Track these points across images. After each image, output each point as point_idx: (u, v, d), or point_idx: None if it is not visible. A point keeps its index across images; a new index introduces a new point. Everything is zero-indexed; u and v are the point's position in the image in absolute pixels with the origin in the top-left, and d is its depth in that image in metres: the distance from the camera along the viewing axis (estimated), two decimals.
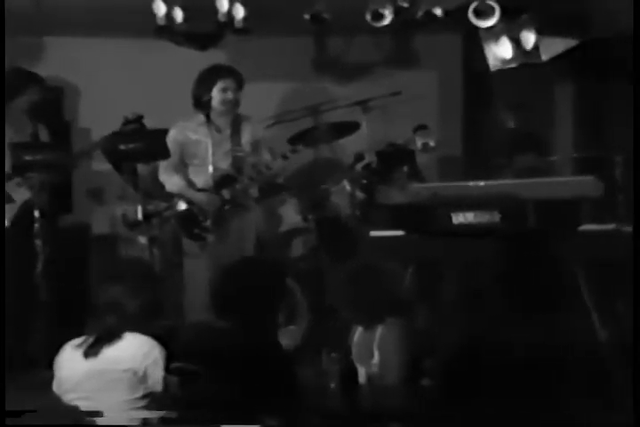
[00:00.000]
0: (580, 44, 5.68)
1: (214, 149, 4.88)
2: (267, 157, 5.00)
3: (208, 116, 4.87)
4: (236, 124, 5.00)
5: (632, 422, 2.57)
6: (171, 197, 4.99)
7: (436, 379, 3.01)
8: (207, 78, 4.96)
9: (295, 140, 5.35)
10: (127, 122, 4.55)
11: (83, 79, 6.14)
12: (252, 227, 5.07)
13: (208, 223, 4.88)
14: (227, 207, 4.88)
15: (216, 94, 4.92)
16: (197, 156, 4.96)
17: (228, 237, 4.91)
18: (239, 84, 4.97)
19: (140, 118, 4.56)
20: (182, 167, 5.02)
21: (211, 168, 4.83)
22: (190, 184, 4.99)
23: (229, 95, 4.92)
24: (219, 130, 4.97)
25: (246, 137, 5.01)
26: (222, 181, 4.91)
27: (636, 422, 2.57)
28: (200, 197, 4.91)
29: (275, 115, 5.51)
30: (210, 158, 4.83)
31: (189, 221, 4.91)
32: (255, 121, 5.10)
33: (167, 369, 3.11)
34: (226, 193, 4.90)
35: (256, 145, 5.05)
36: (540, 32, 5.62)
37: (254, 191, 5.06)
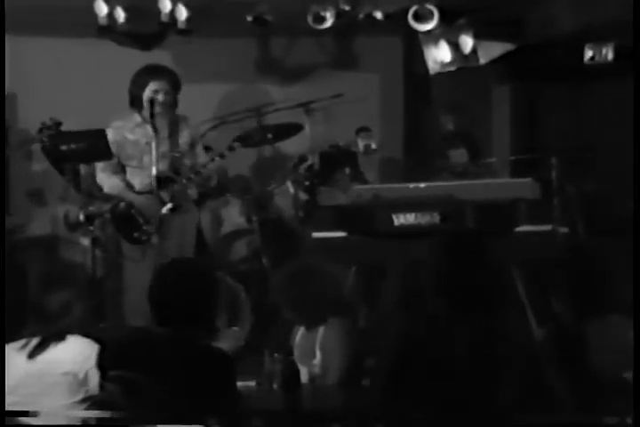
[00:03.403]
0: (516, 48, 5.80)
1: (152, 150, 4.80)
2: (202, 157, 4.91)
3: (152, 116, 4.77)
4: (174, 125, 4.86)
5: (632, 422, 2.60)
6: (110, 199, 4.86)
7: (378, 379, 3.05)
8: (140, 79, 4.85)
9: (241, 141, 5.35)
10: (44, 128, 4.44)
11: (22, 79, 6.06)
12: (192, 229, 4.99)
13: (148, 226, 4.77)
14: (166, 210, 4.74)
15: (148, 96, 4.81)
16: (135, 157, 4.85)
17: (168, 240, 4.78)
18: (174, 86, 4.84)
19: (58, 125, 4.44)
20: (120, 169, 4.90)
21: (154, 170, 4.70)
22: (129, 186, 4.88)
23: (160, 97, 4.79)
24: (156, 131, 4.85)
25: (184, 138, 4.91)
26: (161, 183, 4.79)
27: (636, 423, 2.61)
28: (140, 200, 4.81)
29: (217, 116, 5.51)
30: (148, 160, 4.73)
31: (129, 224, 4.79)
32: (192, 121, 5.00)
33: (107, 377, 3.06)
34: (164, 195, 4.77)
35: (193, 146, 4.97)
36: (478, 36, 5.73)
37: (193, 193, 4.96)
